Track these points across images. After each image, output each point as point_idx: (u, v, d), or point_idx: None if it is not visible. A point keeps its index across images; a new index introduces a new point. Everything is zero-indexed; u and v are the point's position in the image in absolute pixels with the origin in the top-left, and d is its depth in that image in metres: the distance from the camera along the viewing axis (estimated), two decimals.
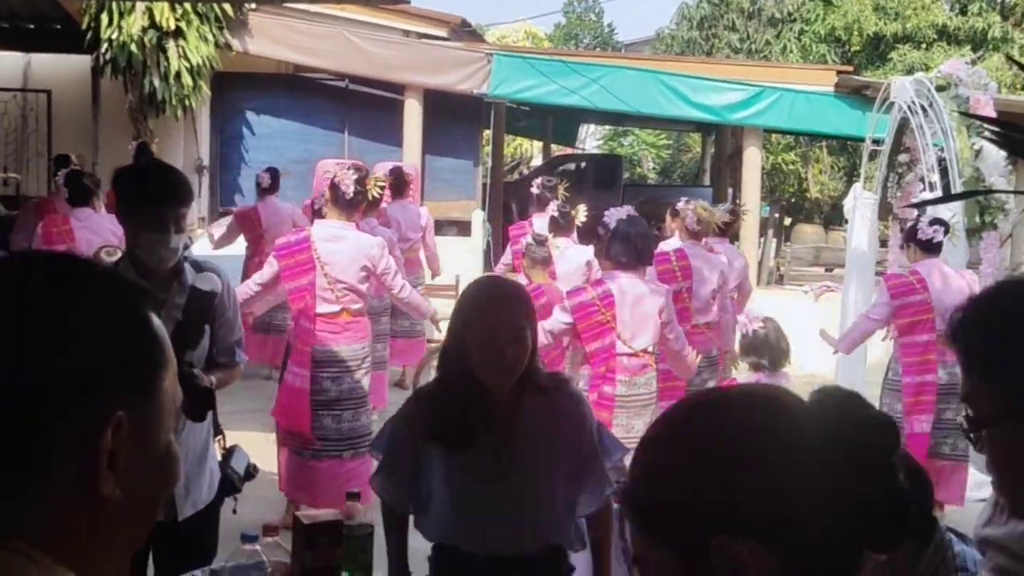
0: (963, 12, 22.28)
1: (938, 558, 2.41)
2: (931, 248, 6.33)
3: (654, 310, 5.30)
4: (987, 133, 7.34)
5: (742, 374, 5.65)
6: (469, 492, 2.74)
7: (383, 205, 8.80)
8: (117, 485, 0.96)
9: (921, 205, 6.70)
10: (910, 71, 18.44)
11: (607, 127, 26.84)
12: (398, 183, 9.40)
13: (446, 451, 2.73)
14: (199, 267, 3.31)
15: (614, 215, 5.87)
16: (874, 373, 7.70)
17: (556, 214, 7.91)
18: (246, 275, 9.09)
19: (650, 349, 5.37)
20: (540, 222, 8.62)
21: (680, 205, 7.72)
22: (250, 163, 12.33)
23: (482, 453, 2.70)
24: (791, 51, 22.75)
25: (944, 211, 7.74)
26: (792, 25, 23.27)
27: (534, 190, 8.91)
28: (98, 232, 7.30)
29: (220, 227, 9.22)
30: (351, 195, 5.91)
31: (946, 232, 6.46)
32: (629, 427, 5.23)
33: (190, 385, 3.04)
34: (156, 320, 1.05)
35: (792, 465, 1.00)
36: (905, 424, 6.32)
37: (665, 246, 7.26)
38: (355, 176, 6.16)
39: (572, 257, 7.72)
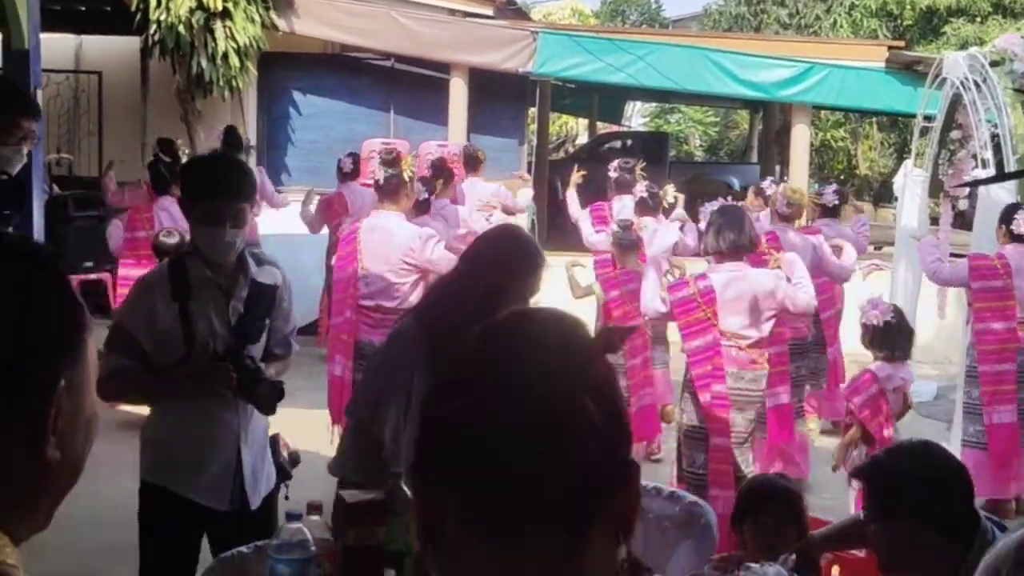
0: None
1: (982, 553, 2.39)
2: (1021, 239, 6.24)
3: (760, 298, 5.05)
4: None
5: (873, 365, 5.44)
6: None
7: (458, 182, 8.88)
8: (56, 448, 0.99)
9: (974, 185, 6.59)
10: (964, 45, 18.08)
11: (653, 104, 26.66)
12: (470, 160, 9.45)
13: None
14: (259, 260, 3.35)
15: (707, 208, 5.81)
16: (922, 353, 7.60)
17: (645, 195, 7.90)
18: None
19: (759, 341, 5.11)
20: (619, 205, 8.61)
21: (767, 187, 7.67)
22: (297, 143, 12.41)
23: None
24: (841, 26, 22.42)
25: (998, 189, 7.62)
26: (843, 0, 22.93)
27: (612, 173, 8.83)
28: (177, 219, 7.45)
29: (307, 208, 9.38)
30: (382, 181, 5.92)
31: None
32: (732, 422, 5.09)
33: (257, 380, 3.15)
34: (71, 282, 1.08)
35: None
36: (984, 414, 6.21)
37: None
38: (382, 160, 6.18)
39: (666, 236, 7.69)
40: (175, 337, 3.14)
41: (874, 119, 22.04)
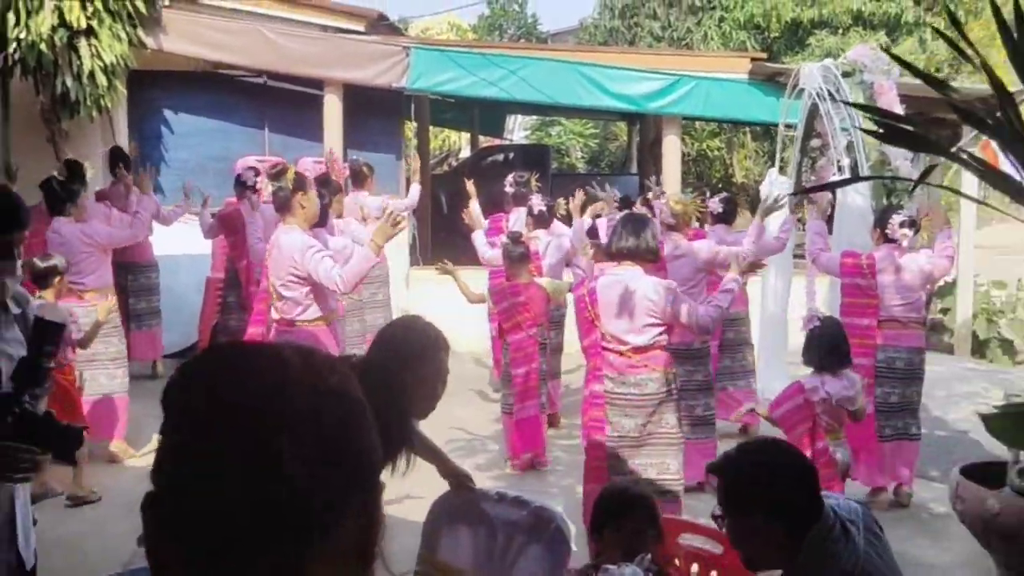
0: None
1: (817, 541, 2.52)
2: (891, 241, 6.58)
3: (645, 306, 5.09)
4: (869, 125, 7.58)
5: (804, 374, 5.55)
6: None
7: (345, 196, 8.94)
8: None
9: (829, 187, 6.88)
10: (827, 56, 18.78)
11: (534, 117, 26.94)
12: (356, 175, 9.48)
13: None
14: (23, 297, 3.09)
15: (614, 215, 5.95)
16: (795, 356, 7.89)
17: (542, 208, 8.09)
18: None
19: (645, 346, 5.13)
20: (515, 217, 8.79)
21: (653, 197, 7.88)
22: (170, 161, 12.18)
23: None
24: (712, 38, 23.03)
25: (854, 194, 7.97)
26: (712, 12, 23.56)
27: (508, 188, 9.15)
28: (71, 241, 7.23)
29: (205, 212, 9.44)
30: (273, 196, 5.95)
31: (916, 233, 6.68)
32: (618, 425, 5.15)
33: (55, 429, 2.76)
34: None
35: None
36: None
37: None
38: (269, 175, 6.18)
39: (559, 246, 7.85)
40: None
41: (747, 129, 22.71)
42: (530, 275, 7.27)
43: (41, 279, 6.60)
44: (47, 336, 2.82)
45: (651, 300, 5.08)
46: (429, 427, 8.36)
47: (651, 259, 5.28)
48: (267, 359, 0.98)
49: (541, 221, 8.21)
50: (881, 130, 3.14)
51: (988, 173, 2.83)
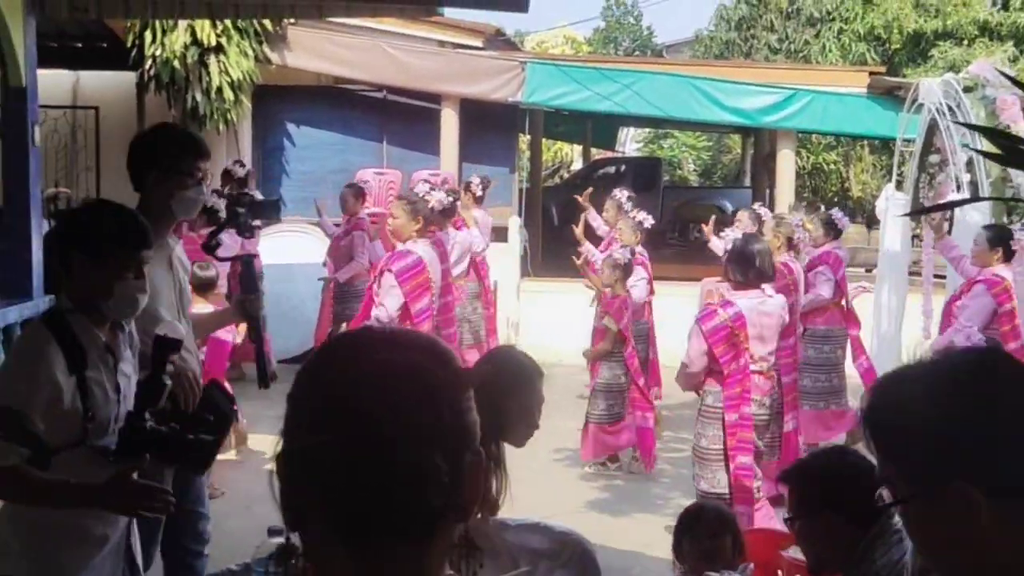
0: (1005, 7, 22.06)
1: (881, 533, 2.59)
2: (1011, 258, 6.52)
3: (776, 324, 5.40)
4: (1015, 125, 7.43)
5: None
6: None
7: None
8: None
9: (947, 207, 6.78)
10: (951, 68, 18.28)
11: (647, 130, 26.89)
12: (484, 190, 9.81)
13: None
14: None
15: (730, 235, 6.07)
16: None
17: (647, 226, 8.25)
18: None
19: (772, 367, 5.45)
20: None
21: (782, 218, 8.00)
22: (291, 174, 12.60)
23: None
24: (830, 50, 22.65)
25: (972, 211, 7.81)
26: (831, 24, 23.16)
27: (626, 205, 9.14)
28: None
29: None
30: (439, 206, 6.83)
31: None
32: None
33: (184, 443, 2.89)
34: None
35: None
36: None
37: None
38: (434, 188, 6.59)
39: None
40: (73, 415, 2.77)
41: (865, 142, 22.27)
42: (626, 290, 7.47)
43: (202, 288, 6.96)
44: (168, 354, 2.94)
45: (781, 314, 5.41)
46: (537, 438, 8.43)
47: (770, 280, 5.53)
48: (410, 374, 1.10)
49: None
50: (999, 151, 3.15)
51: None
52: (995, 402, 1.30)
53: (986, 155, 4.96)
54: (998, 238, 6.71)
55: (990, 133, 3.57)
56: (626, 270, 7.37)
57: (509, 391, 2.88)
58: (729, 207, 18.89)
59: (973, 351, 1.82)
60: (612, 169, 20.63)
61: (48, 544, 2.83)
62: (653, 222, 8.40)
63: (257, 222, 3.73)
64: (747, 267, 5.30)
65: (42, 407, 2.69)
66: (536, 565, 2.81)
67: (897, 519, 2.73)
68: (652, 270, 8.40)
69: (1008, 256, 6.51)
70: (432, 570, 1.11)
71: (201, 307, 6.62)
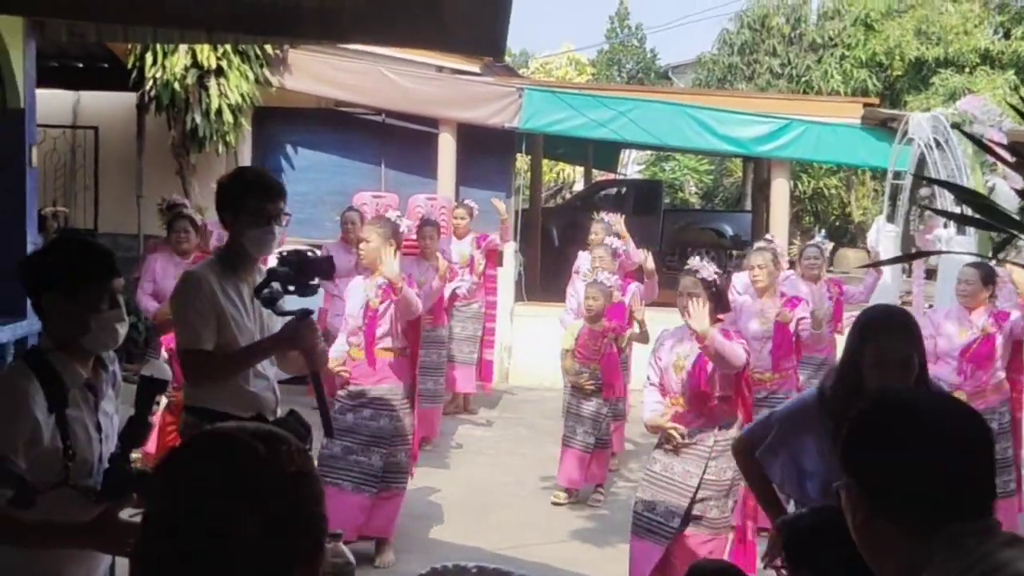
0: (1006, 36, 22.19)
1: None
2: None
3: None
4: (1000, 165, 7.46)
5: None
6: None
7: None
8: None
9: (932, 253, 6.82)
10: (952, 96, 18.39)
11: (649, 152, 26.98)
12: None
13: None
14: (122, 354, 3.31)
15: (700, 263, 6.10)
16: None
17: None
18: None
19: None
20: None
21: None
22: (289, 195, 12.62)
23: None
24: (832, 76, 22.76)
25: (959, 247, 7.85)
26: (833, 51, 23.28)
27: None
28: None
29: None
30: None
31: None
32: None
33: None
34: None
35: None
36: None
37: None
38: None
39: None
40: (54, 454, 2.75)
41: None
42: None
43: None
44: (154, 394, 2.94)
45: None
46: (528, 463, 8.44)
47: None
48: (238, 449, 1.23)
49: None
50: (968, 211, 3.23)
51: None
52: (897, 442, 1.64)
53: (945, 214, 5.01)
54: (989, 276, 6.69)
55: (953, 188, 3.63)
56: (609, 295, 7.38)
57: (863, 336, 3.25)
58: (729, 231, 18.94)
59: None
60: (613, 191, 20.70)
61: None
62: (626, 250, 8.37)
63: (315, 280, 3.78)
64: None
65: (23, 446, 2.66)
66: None
67: None
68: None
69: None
70: None
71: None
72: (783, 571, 2.81)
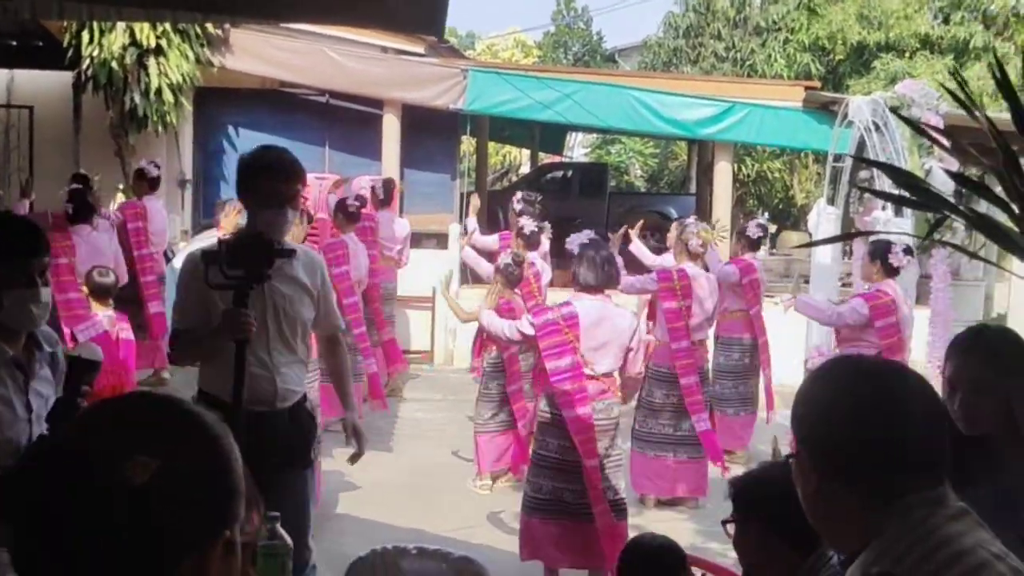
0: (946, 21, 22.48)
1: (817, 563, 2.66)
2: (896, 272, 6.61)
3: (617, 335, 5.31)
4: (936, 148, 7.60)
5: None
6: None
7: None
8: None
9: (870, 233, 6.92)
10: (893, 80, 18.61)
11: (595, 135, 27.04)
12: (386, 193, 9.67)
13: None
14: (49, 336, 3.09)
15: (576, 239, 6.04)
16: None
17: (527, 231, 8.13)
18: None
19: (612, 374, 5.36)
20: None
21: (685, 226, 7.96)
22: (231, 177, 12.49)
23: None
24: (776, 60, 22.95)
25: (896, 228, 7.97)
26: (777, 34, 23.47)
27: (515, 205, 9.13)
28: (98, 248, 7.62)
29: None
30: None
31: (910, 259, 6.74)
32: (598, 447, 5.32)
33: None
34: None
35: None
36: None
37: (666, 262, 7.54)
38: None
39: (542, 272, 7.97)
40: None
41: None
42: (514, 294, 7.36)
43: (102, 293, 6.91)
44: (84, 375, 2.85)
45: (625, 326, 5.34)
46: (448, 448, 8.35)
47: (614, 286, 5.63)
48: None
49: (528, 242, 8.22)
50: (904, 193, 3.25)
51: (983, 225, 2.92)
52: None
53: (883, 195, 5.07)
54: (875, 251, 6.77)
55: (891, 170, 3.67)
56: (511, 277, 7.29)
57: None
58: (674, 213, 19.02)
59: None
60: (560, 174, 20.71)
61: None
62: (534, 230, 8.26)
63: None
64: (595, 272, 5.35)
65: None
66: None
67: (831, 553, 2.81)
68: None
69: (889, 271, 6.58)
70: None
71: (102, 312, 6.65)
72: (729, 528, 2.84)
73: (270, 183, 3.70)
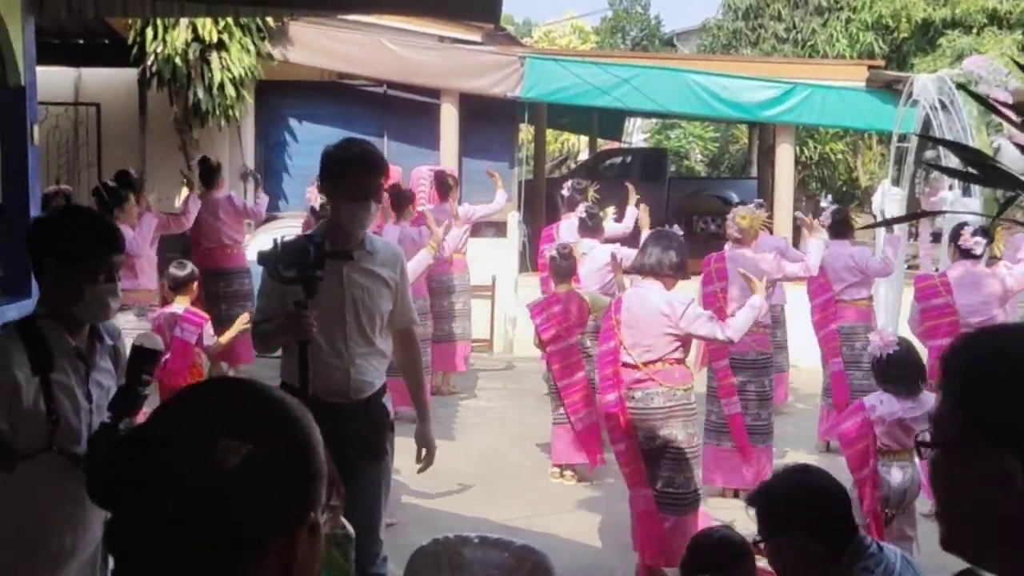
0: None
1: (853, 558, 2.64)
2: (969, 255, 6.50)
3: (657, 323, 5.21)
4: (1006, 125, 7.39)
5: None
6: None
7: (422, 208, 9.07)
8: None
9: (936, 213, 6.79)
10: (960, 57, 18.20)
11: (654, 120, 26.83)
12: (442, 186, 9.67)
13: None
14: (112, 330, 3.17)
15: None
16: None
17: (584, 216, 8.11)
18: None
19: (653, 361, 5.24)
20: (567, 224, 8.83)
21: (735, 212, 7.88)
22: (293, 169, 12.67)
23: None
24: (838, 40, 22.53)
25: (964, 208, 7.81)
26: (839, 13, 23.02)
27: (564, 192, 9.13)
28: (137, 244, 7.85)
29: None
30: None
31: (989, 242, 6.60)
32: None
33: None
34: None
35: None
36: None
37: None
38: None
39: (597, 257, 7.91)
40: (37, 418, 2.79)
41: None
42: (570, 286, 7.28)
43: (181, 286, 7.00)
44: (145, 364, 2.91)
45: (662, 313, 5.19)
46: (537, 434, 8.26)
47: (676, 274, 5.36)
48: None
49: (587, 229, 8.16)
50: (972, 170, 3.18)
51: None
52: None
53: (951, 172, 4.95)
54: (951, 234, 6.70)
55: (958, 148, 3.59)
56: (559, 269, 7.24)
57: None
58: (735, 198, 18.81)
59: None
60: (618, 160, 20.57)
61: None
62: (595, 215, 8.18)
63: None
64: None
65: (3, 403, 2.73)
66: None
67: (869, 539, 2.79)
68: None
69: (961, 252, 6.51)
70: None
71: (178, 305, 6.74)
72: (767, 545, 2.81)
73: (356, 176, 3.74)
